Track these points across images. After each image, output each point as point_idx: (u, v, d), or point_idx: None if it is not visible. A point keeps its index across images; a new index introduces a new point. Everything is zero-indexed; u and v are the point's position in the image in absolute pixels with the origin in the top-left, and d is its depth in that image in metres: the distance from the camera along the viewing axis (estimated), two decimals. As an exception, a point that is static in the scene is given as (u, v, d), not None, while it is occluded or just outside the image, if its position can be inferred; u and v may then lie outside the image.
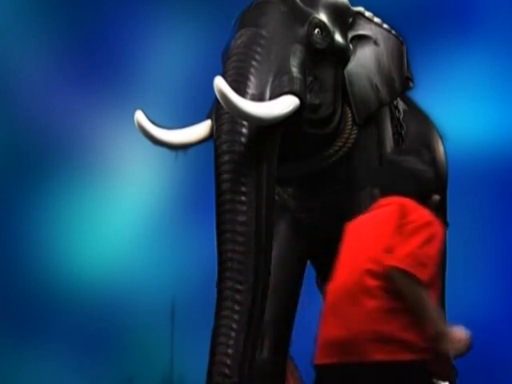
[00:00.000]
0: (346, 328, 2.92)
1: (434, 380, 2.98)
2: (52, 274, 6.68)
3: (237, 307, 3.42)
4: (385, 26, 4.13)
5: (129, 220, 6.90)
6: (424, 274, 2.87)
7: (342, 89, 3.93)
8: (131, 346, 6.60)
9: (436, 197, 3.20)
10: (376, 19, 4.13)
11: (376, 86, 4.01)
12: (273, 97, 3.57)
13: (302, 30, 3.76)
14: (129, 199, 6.92)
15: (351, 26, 4.03)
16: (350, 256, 3.07)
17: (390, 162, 3.30)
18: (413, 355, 2.84)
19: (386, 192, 3.18)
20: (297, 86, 3.61)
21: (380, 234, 3.00)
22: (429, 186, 3.18)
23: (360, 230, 3.13)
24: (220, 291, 3.48)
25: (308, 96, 3.69)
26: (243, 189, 3.48)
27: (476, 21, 6.92)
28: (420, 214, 3.02)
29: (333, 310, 3.03)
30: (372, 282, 2.91)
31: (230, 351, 3.39)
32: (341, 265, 3.08)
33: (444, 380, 3.04)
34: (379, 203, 3.18)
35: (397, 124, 4.32)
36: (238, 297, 3.42)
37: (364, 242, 3.04)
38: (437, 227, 3.01)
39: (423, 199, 3.12)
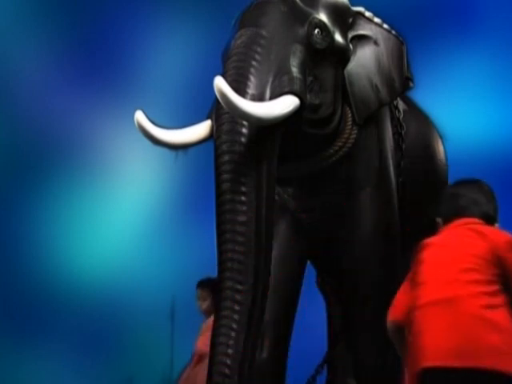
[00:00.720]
0: (458, 334, 3.00)
1: None
2: (52, 274, 6.69)
3: (237, 307, 3.41)
4: (385, 26, 4.13)
5: (129, 220, 6.90)
6: None
7: (342, 89, 3.93)
8: (131, 346, 6.60)
9: (497, 225, 3.36)
10: (376, 19, 4.13)
11: (376, 85, 4.01)
12: (273, 97, 3.56)
13: (302, 30, 3.75)
14: (129, 199, 6.93)
15: (351, 26, 4.02)
16: (440, 269, 3.16)
17: (452, 193, 3.43)
18: None
19: (450, 221, 3.32)
20: (297, 86, 3.60)
21: (467, 247, 3.16)
22: (491, 213, 3.35)
23: (442, 247, 3.24)
24: (220, 291, 3.47)
25: (308, 96, 3.68)
26: (243, 189, 3.48)
27: (476, 21, 6.92)
28: (495, 232, 3.23)
29: (438, 317, 3.08)
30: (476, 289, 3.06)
31: (230, 351, 3.39)
32: (431, 277, 3.18)
33: None
34: (450, 225, 3.31)
35: (397, 124, 4.32)
36: (238, 297, 3.42)
37: (453, 255, 3.16)
38: None
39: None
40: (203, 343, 4.84)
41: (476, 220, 3.27)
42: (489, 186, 3.44)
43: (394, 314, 3.31)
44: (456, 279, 3.09)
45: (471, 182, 3.45)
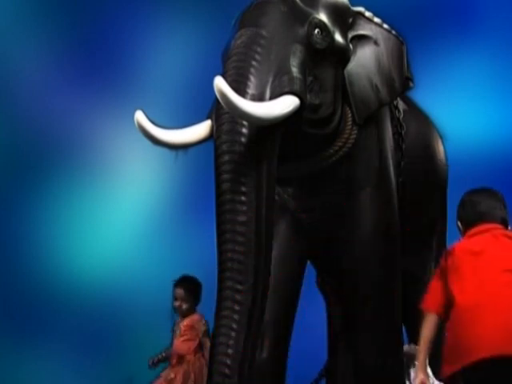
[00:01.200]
0: (506, 327, 3.23)
1: None
2: (52, 274, 6.68)
3: (237, 307, 3.41)
4: (385, 26, 4.13)
5: (129, 220, 6.90)
6: None
7: (342, 89, 3.93)
8: (131, 346, 6.59)
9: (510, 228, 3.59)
10: (376, 19, 4.13)
11: (376, 86, 4.01)
12: (273, 97, 3.57)
13: (302, 30, 3.76)
14: (129, 199, 6.92)
15: (351, 26, 4.03)
16: (482, 271, 3.36)
17: (470, 200, 3.60)
18: None
19: (472, 225, 3.52)
20: (297, 86, 3.60)
21: (505, 251, 3.41)
22: (506, 217, 3.56)
23: (481, 252, 3.42)
24: (220, 291, 3.47)
25: (308, 96, 3.68)
26: (243, 189, 3.48)
27: (476, 21, 6.92)
28: None
29: (485, 313, 3.26)
30: None
31: (230, 351, 3.39)
32: (474, 279, 3.35)
33: None
34: (472, 231, 3.50)
35: (397, 124, 4.32)
36: (238, 297, 3.42)
37: (493, 259, 3.38)
38: None
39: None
40: (181, 347, 4.91)
41: (497, 225, 3.50)
42: (500, 193, 3.64)
43: (435, 306, 3.46)
44: (497, 279, 3.31)
45: (485, 190, 3.65)
